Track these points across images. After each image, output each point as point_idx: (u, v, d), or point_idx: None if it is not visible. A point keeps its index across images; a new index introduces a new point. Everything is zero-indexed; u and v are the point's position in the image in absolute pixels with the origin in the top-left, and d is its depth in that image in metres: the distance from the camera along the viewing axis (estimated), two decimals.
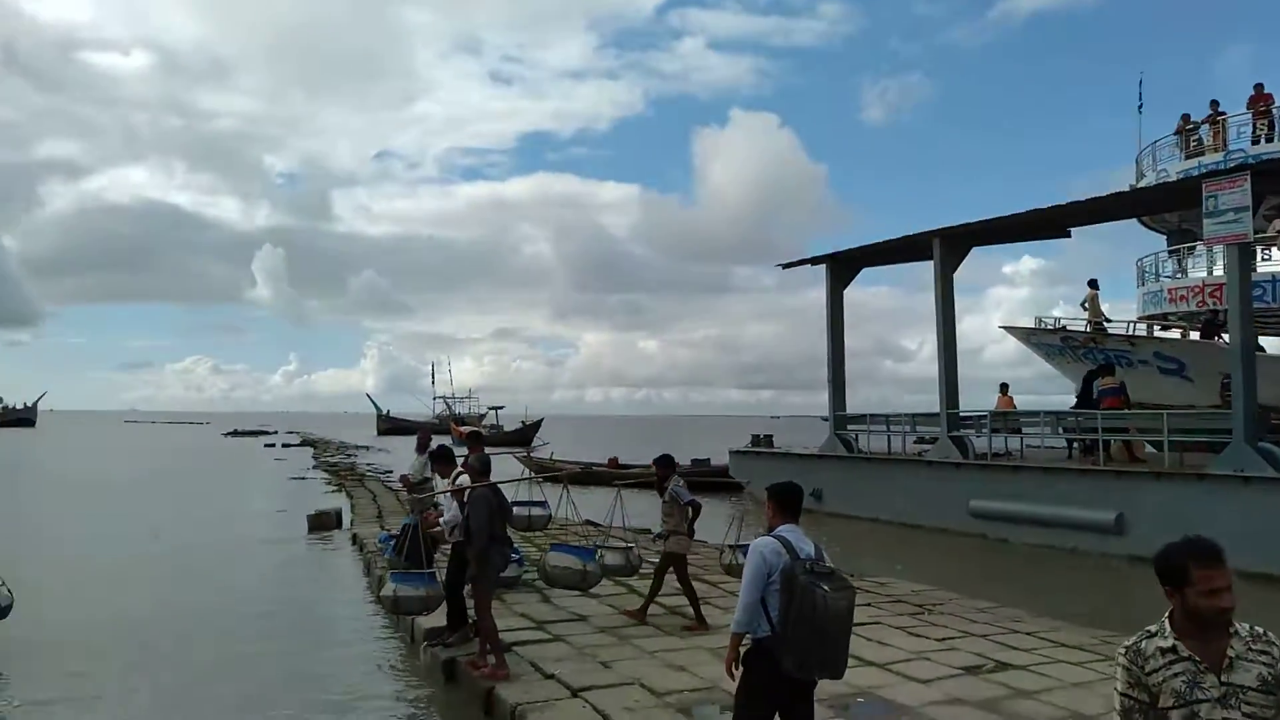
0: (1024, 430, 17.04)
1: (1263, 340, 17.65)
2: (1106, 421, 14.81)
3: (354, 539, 15.41)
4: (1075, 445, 16.52)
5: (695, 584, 8.85)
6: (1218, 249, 15.53)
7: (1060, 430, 16.51)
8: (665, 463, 8.89)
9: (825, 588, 3.98)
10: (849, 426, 20.32)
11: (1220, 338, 16.88)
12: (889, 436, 19.57)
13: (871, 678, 6.93)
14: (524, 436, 63.02)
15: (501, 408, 77.57)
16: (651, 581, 8.85)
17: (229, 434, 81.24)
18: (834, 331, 20.41)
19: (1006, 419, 17.14)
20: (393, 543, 11.12)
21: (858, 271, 20.49)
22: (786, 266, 21.17)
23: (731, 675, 4.32)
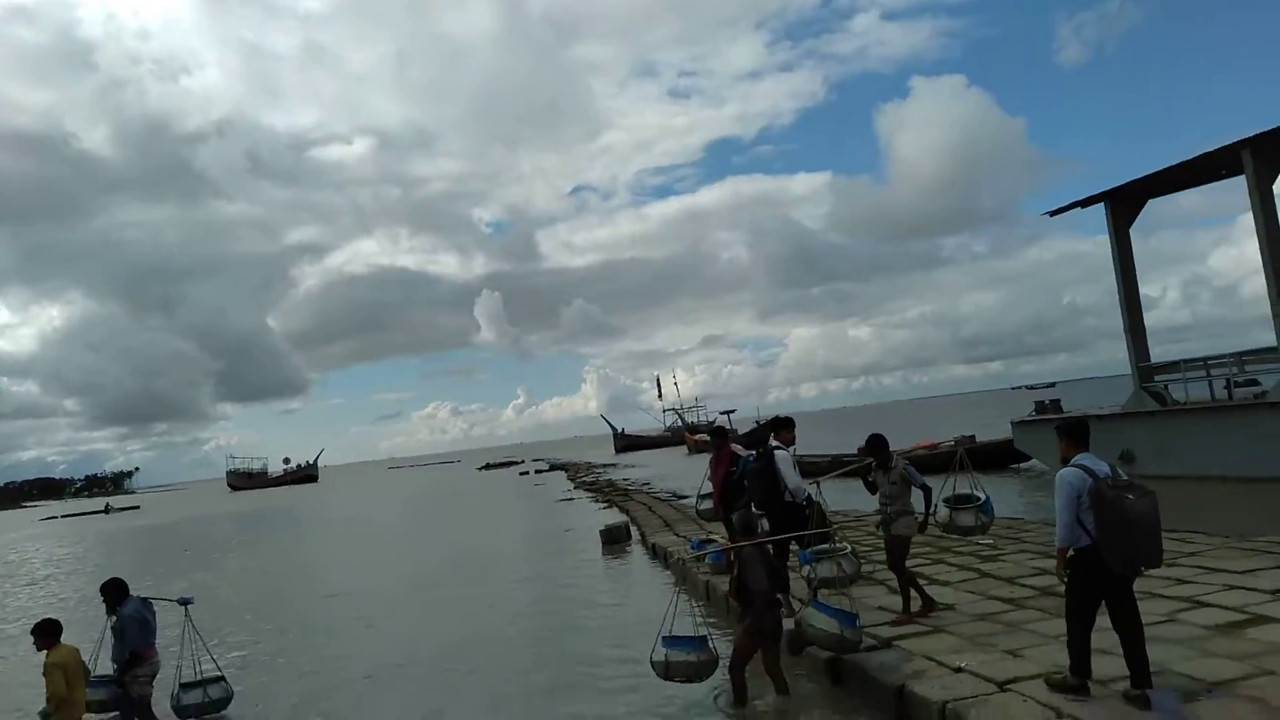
0: None
1: None
2: None
3: (653, 549, 15.55)
4: None
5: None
6: None
7: None
8: (881, 443, 8.09)
9: (1130, 496, 4.85)
10: (1156, 377, 18.17)
11: None
12: (1209, 383, 17.27)
13: None
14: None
15: (733, 411, 77.75)
16: (898, 578, 8.00)
17: (482, 468, 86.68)
18: (1125, 276, 18.39)
19: None
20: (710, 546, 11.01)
21: (1143, 205, 18.33)
22: (1055, 213, 19.42)
23: (1062, 580, 5.39)
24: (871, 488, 8.21)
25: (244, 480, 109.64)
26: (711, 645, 6.45)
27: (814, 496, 8.70)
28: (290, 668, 10.53)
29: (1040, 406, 21.96)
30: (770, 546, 7.29)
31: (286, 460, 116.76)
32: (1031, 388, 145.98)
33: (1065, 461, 5.24)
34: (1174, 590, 7.83)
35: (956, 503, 9.04)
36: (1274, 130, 14.78)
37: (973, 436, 27.01)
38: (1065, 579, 5.34)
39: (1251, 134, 15.05)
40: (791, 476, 8.35)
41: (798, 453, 9.14)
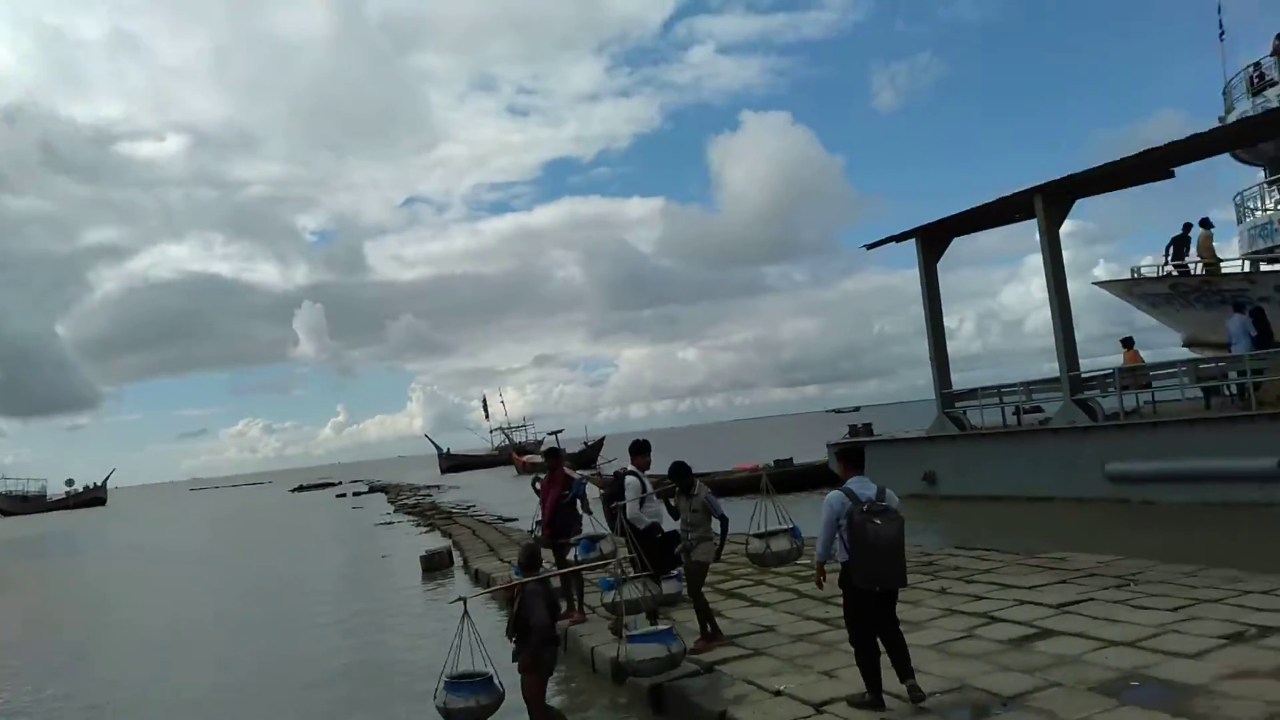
0: (1154, 385, 16.13)
1: None
2: (1256, 364, 13.90)
3: (476, 575, 14.99)
4: (1230, 391, 15.48)
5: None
6: None
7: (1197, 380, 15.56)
8: (684, 470, 8.15)
9: (877, 521, 5.39)
10: (956, 404, 19.49)
11: None
12: (1002, 409, 18.71)
13: (1129, 658, 6.27)
14: (587, 457, 62.68)
15: (560, 431, 77.21)
16: (695, 604, 8.03)
17: (295, 489, 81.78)
18: (932, 308, 19.63)
19: (1136, 374, 16.19)
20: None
21: (948, 243, 19.71)
22: (871, 246, 20.49)
23: (820, 586, 6.12)
24: (675, 513, 8.20)
25: (17, 504, 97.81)
26: (497, 682, 6.04)
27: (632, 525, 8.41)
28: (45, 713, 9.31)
29: (853, 430, 23.06)
30: (554, 581, 6.97)
31: (69, 481, 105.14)
32: (839, 411, 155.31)
33: (842, 482, 5.75)
34: (972, 606, 8.26)
35: (767, 534, 8.66)
36: (1062, 179, 16.32)
37: (790, 459, 28.09)
38: (821, 585, 6.04)
39: (1043, 181, 16.55)
40: (630, 505, 8.26)
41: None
